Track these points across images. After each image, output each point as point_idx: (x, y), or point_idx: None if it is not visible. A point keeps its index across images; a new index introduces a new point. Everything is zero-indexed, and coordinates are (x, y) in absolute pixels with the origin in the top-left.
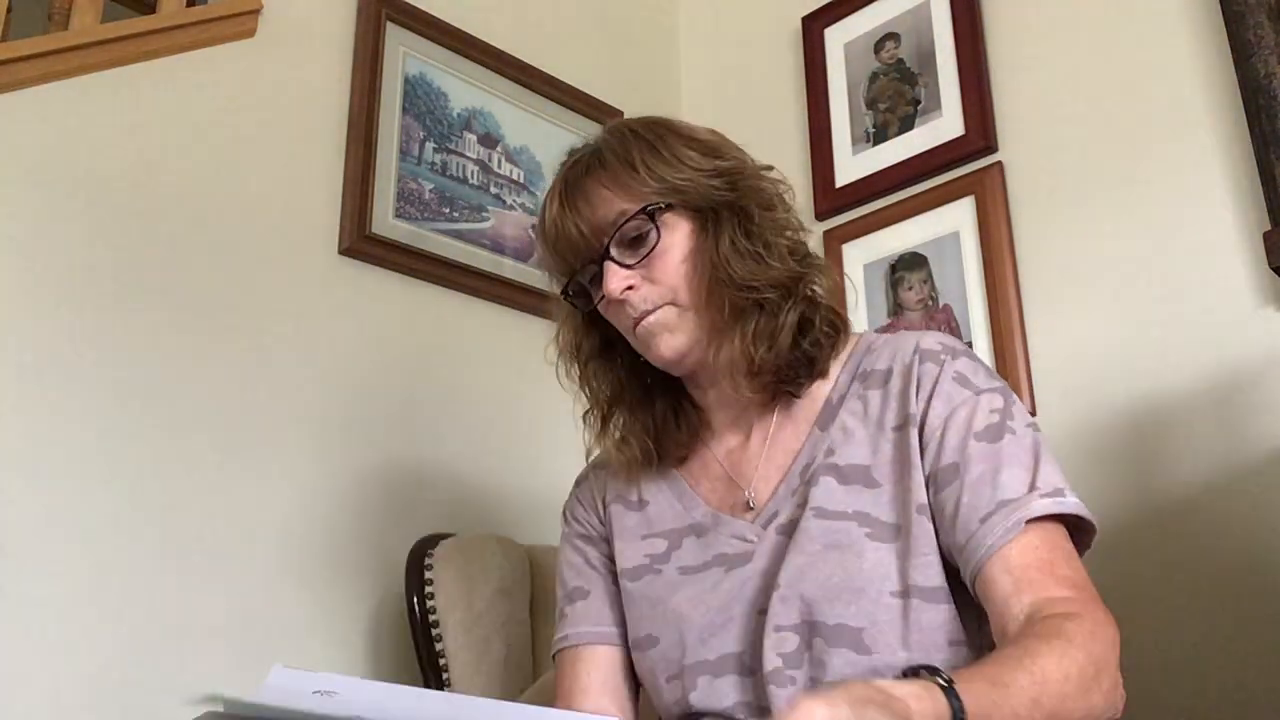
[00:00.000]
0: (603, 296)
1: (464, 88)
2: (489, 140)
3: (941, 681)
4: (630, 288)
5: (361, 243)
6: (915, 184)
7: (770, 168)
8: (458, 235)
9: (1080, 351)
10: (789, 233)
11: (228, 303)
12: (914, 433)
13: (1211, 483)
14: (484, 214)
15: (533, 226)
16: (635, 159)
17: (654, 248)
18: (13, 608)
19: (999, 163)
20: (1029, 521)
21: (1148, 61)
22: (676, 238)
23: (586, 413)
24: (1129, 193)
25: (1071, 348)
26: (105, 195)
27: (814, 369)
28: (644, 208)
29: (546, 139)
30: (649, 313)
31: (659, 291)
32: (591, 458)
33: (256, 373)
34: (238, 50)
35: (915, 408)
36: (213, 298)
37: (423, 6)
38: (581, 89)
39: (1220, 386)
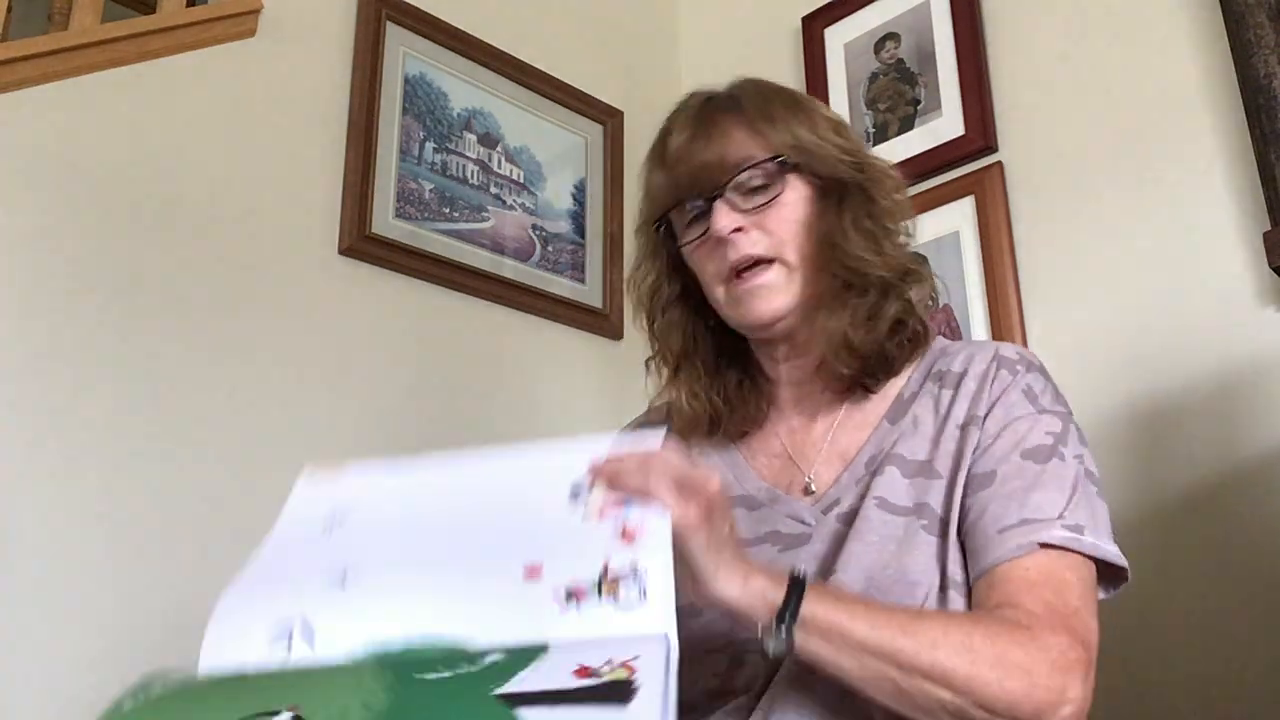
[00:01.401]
0: (700, 236)
1: (464, 88)
2: (489, 140)
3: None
4: (739, 229)
5: (361, 243)
6: (915, 184)
7: (893, 165)
8: (458, 235)
9: (1080, 352)
10: (906, 227)
11: (227, 302)
12: (975, 432)
13: (1211, 482)
14: (484, 214)
15: (531, 223)
16: (774, 112)
17: (774, 198)
18: (16, 609)
19: (999, 163)
20: (1043, 545)
21: (1148, 61)
22: (797, 197)
23: (650, 359)
24: (1129, 193)
25: (1071, 348)
26: (105, 195)
27: (891, 369)
28: (774, 157)
29: (546, 139)
30: (757, 264)
31: (768, 241)
32: (648, 408)
33: (255, 372)
34: (238, 50)
35: (981, 409)
36: (212, 297)
37: (423, 6)
38: (581, 89)
39: (1220, 386)
